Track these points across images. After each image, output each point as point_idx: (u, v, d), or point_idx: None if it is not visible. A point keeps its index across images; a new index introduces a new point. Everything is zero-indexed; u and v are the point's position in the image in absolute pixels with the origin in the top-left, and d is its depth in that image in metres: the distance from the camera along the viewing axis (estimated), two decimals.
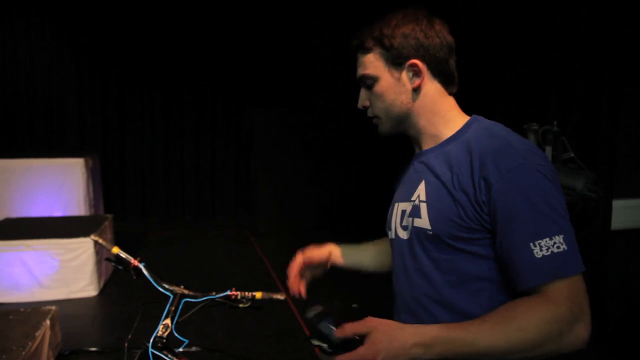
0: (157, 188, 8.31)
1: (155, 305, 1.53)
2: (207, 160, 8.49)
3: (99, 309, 4.34)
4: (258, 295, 1.48)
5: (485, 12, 4.14)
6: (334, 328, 0.90)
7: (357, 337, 0.88)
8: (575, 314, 0.87)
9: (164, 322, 1.40)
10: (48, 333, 2.94)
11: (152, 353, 1.36)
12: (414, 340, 0.87)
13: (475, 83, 3.98)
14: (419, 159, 1.13)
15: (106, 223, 5.13)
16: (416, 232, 1.06)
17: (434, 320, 1.01)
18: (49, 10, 7.48)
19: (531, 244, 0.90)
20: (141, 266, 1.46)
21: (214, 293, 1.46)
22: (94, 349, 3.47)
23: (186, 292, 1.46)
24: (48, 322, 2.95)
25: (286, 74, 7.99)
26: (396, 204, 1.18)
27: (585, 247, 0.96)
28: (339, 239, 1.47)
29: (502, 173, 0.93)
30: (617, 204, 3.33)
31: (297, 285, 1.37)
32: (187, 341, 1.42)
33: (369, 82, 1.10)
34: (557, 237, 0.89)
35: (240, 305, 1.48)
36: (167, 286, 1.46)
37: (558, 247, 0.89)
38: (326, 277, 1.46)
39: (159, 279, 1.46)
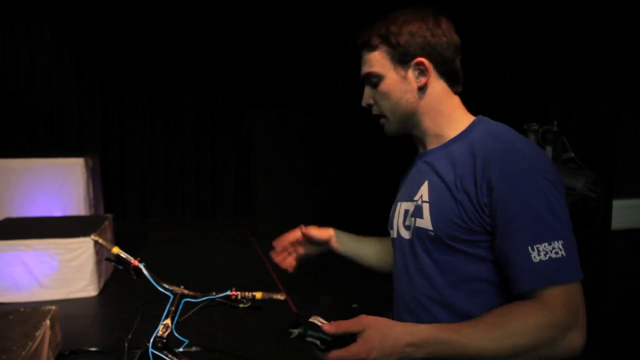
0: (157, 188, 8.31)
1: (155, 305, 1.53)
2: (207, 160, 8.50)
3: (99, 309, 4.34)
4: (258, 295, 1.48)
5: (485, 12, 4.14)
6: (323, 324, 0.89)
7: (349, 335, 0.88)
8: (569, 321, 0.86)
9: (164, 322, 1.40)
10: (48, 333, 2.94)
11: (152, 353, 1.36)
12: (407, 340, 0.87)
13: (475, 83, 3.98)
14: (422, 159, 1.12)
15: (106, 223, 5.13)
16: (418, 232, 1.05)
17: (433, 320, 1.02)
18: (49, 10, 7.48)
19: (529, 248, 0.89)
20: (141, 266, 1.46)
21: (214, 293, 1.46)
22: (94, 349, 3.47)
23: (186, 292, 1.46)
24: (48, 322, 2.95)
25: (286, 74, 8.00)
26: (399, 204, 1.17)
27: (585, 247, 0.96)
28: None
29: (505, 176, 0.92)
30: (617, 204, 3.34)
31: (285, 257, 1.36)
32: (187, 341, 1.42)
33: (374, 80, 1.09)
34: (556, 242, 0.89)
35: (241, 306, 1.48)
36: (167, 286, 1.46)
37: (556, 253, 0.88)
38: (326, 277, 1.45)
39: (159, 279, 1.46)
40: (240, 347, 3.56)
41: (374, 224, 1.48)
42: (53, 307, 3.16)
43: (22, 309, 3.10)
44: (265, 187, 7.30)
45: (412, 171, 1.17)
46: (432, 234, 1.01)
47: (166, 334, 1.39)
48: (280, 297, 1.50)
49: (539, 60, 3.69)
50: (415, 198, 1.08)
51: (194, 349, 2.92)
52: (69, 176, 5.85)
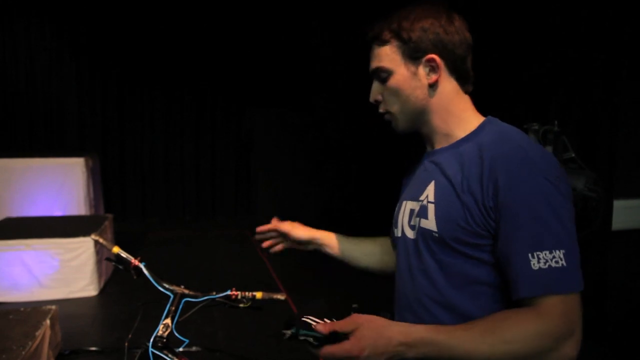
0: (157, 188, 8.31)
1: (155, 305, 1.53)
2: (207, 160, 8.50)
3: (99, 308, 4.34)
4: (258, 295, 1.48)
5: (486, 12, 4.14)
6: (316, 322, 0.90)
7: (342, 333, 0.88)
8: (565, 332, 0.86)
9: (164, 322, 1.40)
10: (48, 333, 2.94)
11: (153, 353, 1.36)
12: (400, 339, 0.87)
13: (475, 83, 3.98)
14: (430, 158, 1.11)
15: (106, 223, 5.13)
16: (422, 232, 1.04)
17: (435, 321, 1.01)
18: (49, 10, 7.48)
19: (529, 255, 0.88)
20: (141, 266, 1.46)
21: (214, 293, 1.46)
22: (94, 348, 3.47)
23: (186, 292, 1.46)
24: (48, 321, 2.95)
25: (286, 74, 7.99)
26: (404, 202, 1.16)
27: (585, 247, 0.96)
28: None
29: (511, 180, 0.91)
30: (617, 204, 3.34)
31: (270, 244, 1.44)
32: (187, 341, 1.42)
33: (384, 75, 1.07)
34: (557, 251, 0.87)
35: (241, 305, 1.48)
36: (167, 286, 1.46)
37: (557, 262, 0.87)
38: (326, 277, 1.47)
39: (160, 278, 1.46)
40: (241, 347, 3.56)
41: (374, 224, 1.48)
42: (53, 307, 3.16)
43: (22, 309, 3.09)
44: (265, 187, 7.31)
45: (418, 170, 1.16)
46: (437, 235, 1.00)
47: (166, 333, 1.39)
48: (280, 297, 1.50)
49: (540, 61, 3.69)
50: (421, 198, 1.07)
51: (194, 348, 2.92)
52: (69, 176, 5.85)
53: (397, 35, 1.04)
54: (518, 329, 0.86)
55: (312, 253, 1.48)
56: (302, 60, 7.80)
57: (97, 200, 6.53)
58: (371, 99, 1.12)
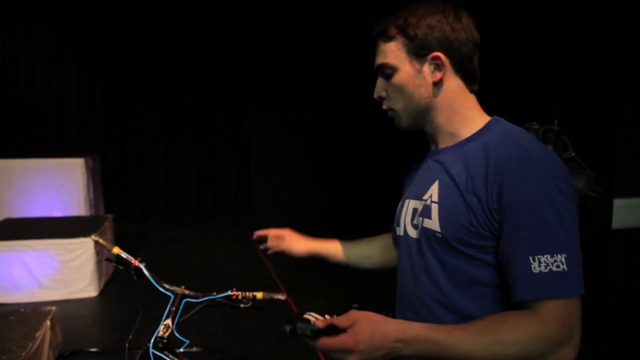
0: (157, 188, 8.31)
1: (156, 306, 1.53)
2: (207, 160, 8.49)
3: (99, 309, 4.34)
4: (259, 295, 1.48)
5: (493, 10, 4.14)
6: (316, 318, 0.92)
7: (340, 329, 0.89)
8: (562, 337, 0.85)
9: (164, 323, 1.40)
10: (48, 334, 2.93)
11: (153, 353, 1.36)
12: (396, 335, 0.87)
13: (482, 81, 3.98)
14: (434, 157, 1.10)
15: (106, 223, 5.13)
16: (425, 232, 1.04)
17: (436, 321, 1.01)
18: (49, 10, 7.48)
19: (530, 258, 0.88)
20: (142, 266, 1.46)
21: (214, 293, 1.46)
22: (94, 349, 3.47)
23: (187, 292, 1.46)
24: (48, 322, 2.95)
25: (286, 74, 7.99)
26: (407, 201, 1.16)
27: (585, 246, 0.96)
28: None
29: (515, 182, 0.90)
30: (617, 203, 3.34)
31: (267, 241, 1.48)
32: (188, 341, 1.42)
33: (388, 71, 1.06)
34: (559, 255, 0.87)
35: (241, 306, 1.48)
36: (167, 286, 1.46)
37: (558, 266, 0.86)
38: (326, 277, 1.50)
39: (160, 279, 1.46)
40: (241, 347, 3.56)
41: (374, 224, 1.48)
42: (53, 308, 3.16)
43: (22, 310, 3.09)
44: (265, 187, 7.30)
45: (421, 168, 1.15)
46: (440, 235, 1.00)
47: (167, 334, 1.38)
48: (281, 297, 1.50)
49: (547, 59, 3.68)
50: (425, 197, 1.07)
51: (194, 349, 2.91)
52: (69, 176, 5.85)
53: (403, 32, 1.03)
54: (516, 331, 0.86)
55: None
56: (302, 60, 7.80)
57: (97, 201, 6.53)
58: (375, 95, 1.11)
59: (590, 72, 3.40)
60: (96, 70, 7.80)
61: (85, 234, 4.50)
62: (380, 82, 1.10)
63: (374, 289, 3.11)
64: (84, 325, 3.94)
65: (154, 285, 1.44)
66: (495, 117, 1.07)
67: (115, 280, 4.95)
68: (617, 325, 3.40)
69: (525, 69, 3.87)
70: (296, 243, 1.46)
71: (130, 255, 1.49)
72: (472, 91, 1.07)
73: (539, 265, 0.87)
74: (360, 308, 0.95)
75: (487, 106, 1.10)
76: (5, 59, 7.45)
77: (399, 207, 1.20)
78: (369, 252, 1.43)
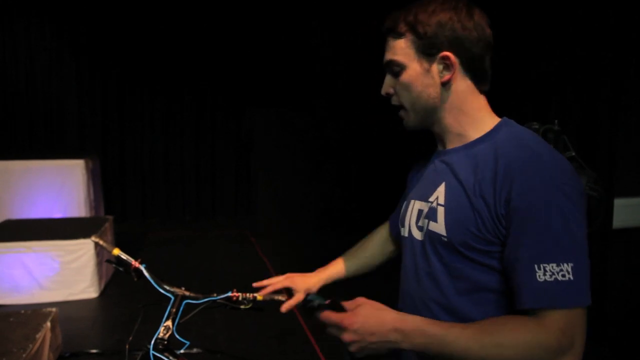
0: (157, 189, 8.31)
1: (156, 307, 1.53)
2: (207, 160, 8.50)
3: (99, 310, 4.34)
4: (259, 296, 1.47)
5: (494, 10, 4.15)
6: (323, 302, 1.01)
7: (345, 308, 0.95)
8: (563, 346, 0.84)
9: (165, 324, 1.39)
10: (48, 335, 2.93)
11: (153, 355, 1.36)
12: (395, 325, 0.88)
13: None
14: (441, 157, 1.07)
15: (107, 224, 5.12)
16: (430, 235, 1.02)
17: None
18: (49, 10, 7.48)
19: (536, 266, 0.86)
20: (142, 268, 1.46)
21: (215, 294, 1.46)
22: (94, 351, 3.47)
23: (187, 293, 1.45)
24: (48, 324, 2.94)
25: (286, 74, 7.99)
26: (412, 201, 1.14)
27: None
28: (339, 239, 1.49)
29: (524, 188, 0.88)
30: (618, 202, 3.33)
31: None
32: (188, 343, 1.42)
33: (396, 69, 1.03)
34: (565, 264, 0.85)
35: (242, 307, 1.47)
36: (168, 288, 1.46)
37: (563, 276, 0.85)
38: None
39: (160, 280, 1.46)
40: (242, 348, 3.55)
41: (374, 224, 1.48)
42: (53, 309, 3.16)
43: (22, 311, 3.09)
44: (265, 187, 7.29)
45: (427, 168, 1.13)
46: (445, 239, 0.98)
47: (167, 335, 1.38)
48: (281, 298, 1.49)
49: (548, 59, 3.68)
50: (431, 199, 1.05)
51: (195, 350, 2.90)
52: (69, 178, 5.84)
53: (413, 29, 1.00)
54: (514, 335, 0.85)
55: (313, 253, 1.48)
56: (302, 60, 7.80)
57: (97, 202, 6.53)
58: (383, 92, 1.09)
59: (590, 72, 3.40)
60: (96, 70, 7.80)
61: (85, 235, 4.50)
62: (388, 78, 1.07)
63: (374, 289, 3.10)
64: (84, 327, 3.94)
65: (154, 287, 1.44)
66: (505, 118, 1.05)
67: (116, 281, 4.95)
68: (617, 325, 3.40)
69: (525, 69, 3.86)
70: (309, 283, 1.44)
71: (130, 256, 1.48)
72: (482, 91, 1.05)
73: (544, 274, 0.85)
74: None
75: (494, 105, 1.09)
76: (5, 59, 7.45)
77: (403, 206, 1.19)
78: (370, 260, 1.47)
